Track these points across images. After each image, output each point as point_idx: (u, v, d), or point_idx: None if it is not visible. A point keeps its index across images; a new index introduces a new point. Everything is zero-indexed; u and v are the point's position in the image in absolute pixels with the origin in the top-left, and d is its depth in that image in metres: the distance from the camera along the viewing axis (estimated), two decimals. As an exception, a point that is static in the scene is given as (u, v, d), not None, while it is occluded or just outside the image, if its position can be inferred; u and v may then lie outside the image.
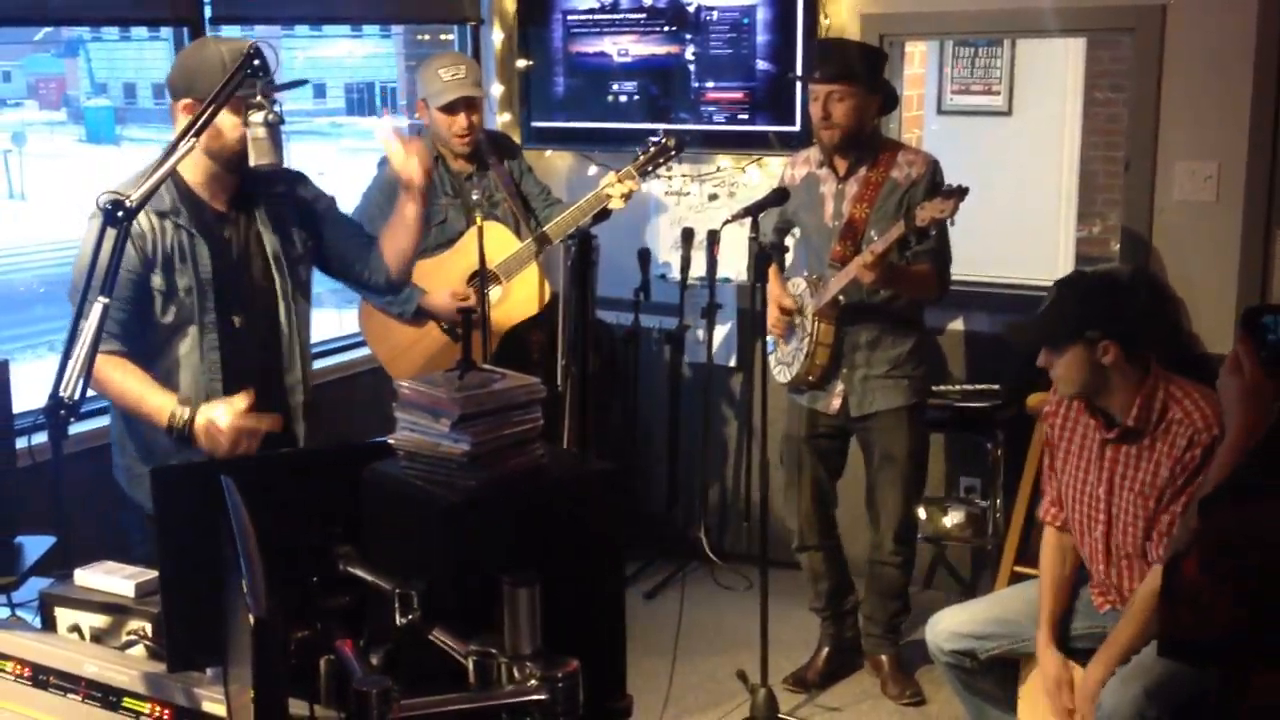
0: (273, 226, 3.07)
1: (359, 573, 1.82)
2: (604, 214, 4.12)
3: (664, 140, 4.14)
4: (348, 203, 4.21)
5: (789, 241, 4.18)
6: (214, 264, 2.96)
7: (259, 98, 2.75)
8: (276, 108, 2.81)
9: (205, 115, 2.68)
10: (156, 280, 2.91)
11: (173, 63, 3.08)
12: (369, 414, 3.13)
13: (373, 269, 3.25)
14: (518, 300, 4.14)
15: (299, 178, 3.20)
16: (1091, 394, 3.01)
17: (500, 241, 4.07)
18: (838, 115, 3.67)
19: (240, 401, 2.83)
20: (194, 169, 2.95)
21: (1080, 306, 2.98)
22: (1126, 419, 2.96)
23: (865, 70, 3.69)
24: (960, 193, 3.45)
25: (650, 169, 4.17)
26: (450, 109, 4.05)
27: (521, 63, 5.08)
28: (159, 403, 2.86)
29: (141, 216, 2.86)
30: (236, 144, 2.88)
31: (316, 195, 3.22)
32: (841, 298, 3.77)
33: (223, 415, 2.81)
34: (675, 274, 4.79)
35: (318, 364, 4.07)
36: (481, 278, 3.88)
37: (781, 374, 3.98)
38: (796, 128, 4.60)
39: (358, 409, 4.31)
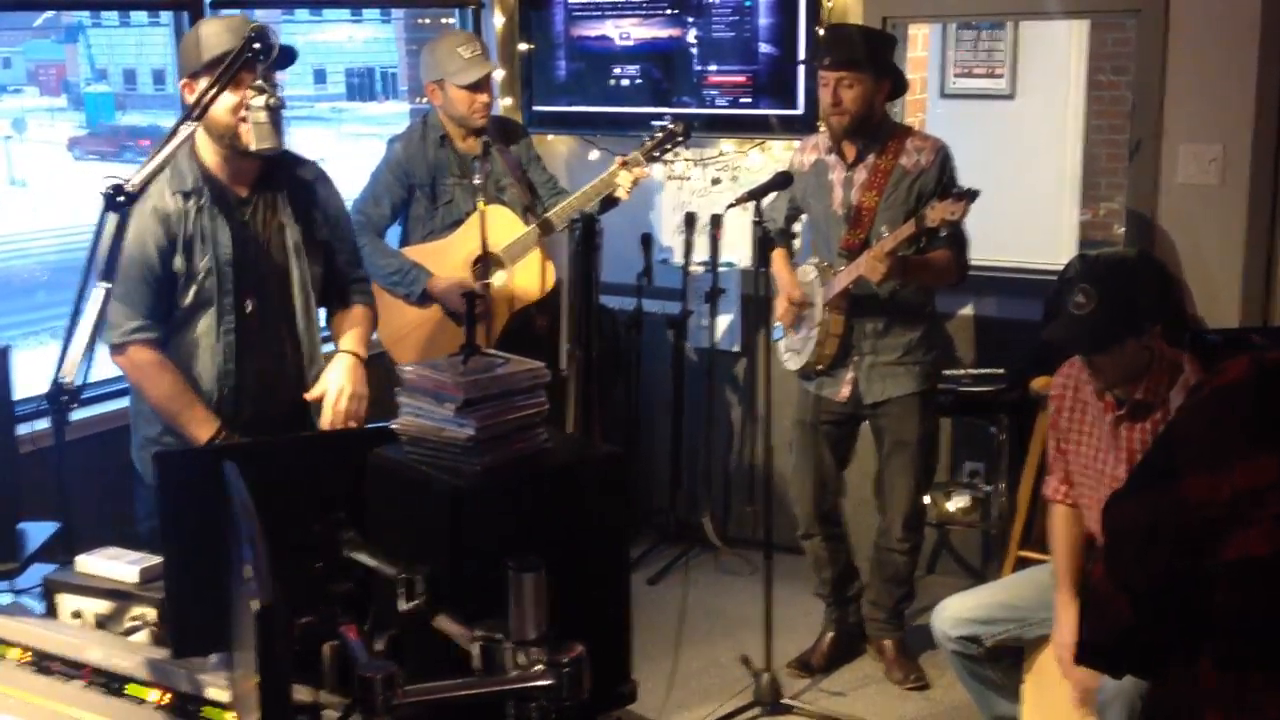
0: (296, 216, 3.04)
1: (363, 558, 1.81)
2: (611, 202, 4.10)
3: (671, 126, 4.12)
4: (354, 185, 4.21)
5: (796, 227, 4.17)
6: (233, 247, 2.95)
7: (259, 81, 2.72)
8: (279, 92, 2.79)
9: (201, 97, 2.66)
10: (178, 262, 2.89)
11: None
12: (373, 399, 3.11)
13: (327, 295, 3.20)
14: (522, 284, 4.13)
15: (321, 176, 3.15)
16: (1130, 379, 2.92)
17: (507, 224, 4.06)
18: (848, 101, 3.65)
19: None
20: (208, 151, 2.93)
21: (1133, 300, 2.85)
22: (1135, 394, 2.93)
23: (874, 56, 3.68)
24: (970, 195, 3.43)
25: (658, 155, 4.15)
26: (475, 87, 4.03)
27: (523, 46, 5.05)
28: (203, 419, 2.89)
29: (168, 196, 2.86)
30: (229, 124, 2.84)
31: (330, 199, 3.17)
32: (851, 288, 3.76)
33: None
34: (678, 259, 4.78)
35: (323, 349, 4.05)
36: (484, 262, 3.87)
37: (791, 361, 3.98)
38: (799, 111, 4.58)
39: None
